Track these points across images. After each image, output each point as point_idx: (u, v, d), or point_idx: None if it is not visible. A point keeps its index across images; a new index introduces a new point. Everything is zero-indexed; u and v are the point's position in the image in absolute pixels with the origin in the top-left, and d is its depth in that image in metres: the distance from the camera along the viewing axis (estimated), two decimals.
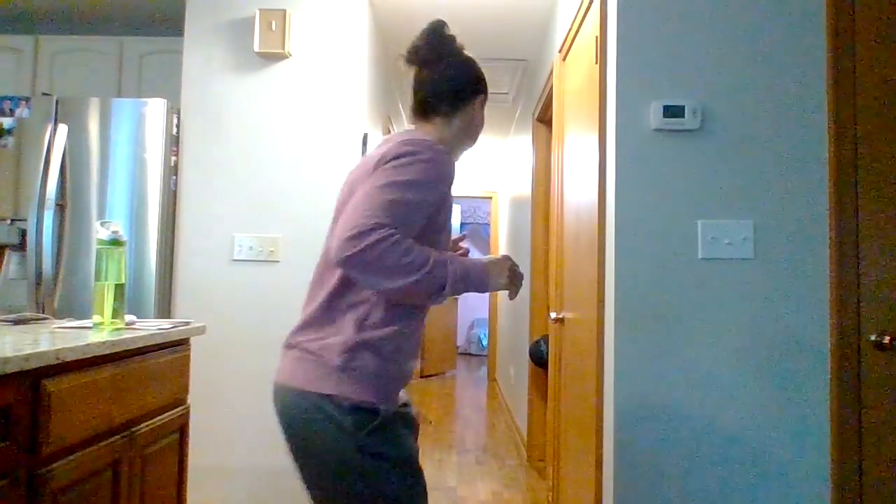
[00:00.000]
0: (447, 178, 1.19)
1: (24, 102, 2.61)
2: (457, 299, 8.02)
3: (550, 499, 2.87)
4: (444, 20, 1.34)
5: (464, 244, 1.43)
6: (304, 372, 1.19)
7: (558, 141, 2.81)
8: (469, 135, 1.37)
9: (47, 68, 3.12)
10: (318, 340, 1.20)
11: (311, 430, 1.15)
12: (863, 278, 1.70)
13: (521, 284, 1.27)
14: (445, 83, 1.32)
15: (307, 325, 1.23)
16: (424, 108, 1.32)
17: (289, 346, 1.26)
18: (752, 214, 1.74)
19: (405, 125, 5.53)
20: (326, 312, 1.21)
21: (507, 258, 1.24)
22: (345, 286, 1.20)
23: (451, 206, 1.26)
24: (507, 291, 1.27)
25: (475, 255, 9.54)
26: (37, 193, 2.49)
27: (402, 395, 1.35)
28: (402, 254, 1.08)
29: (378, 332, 1.18)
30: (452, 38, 1.33)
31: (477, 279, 1.18)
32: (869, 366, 1.68)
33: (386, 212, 1.08)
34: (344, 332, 1.18)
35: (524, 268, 4.24)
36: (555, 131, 2.89)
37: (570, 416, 2.42)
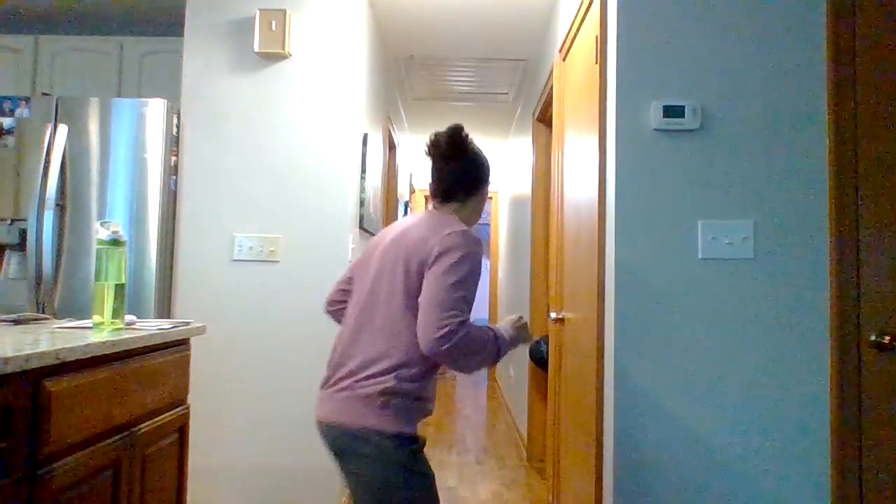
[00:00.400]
0: (480, 264, 1.47)
1: (24, 102, 2.61)
2: None
3: (550, 499, 2.87)
4: (461, 125, 1.57)
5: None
6: (353, 410, 1.41)
7: (558, 141, 2.81)
8: (478, 212, 1.67)
9: (47, 68, 3.12)
10: (367, 385, 1.41)
11: (363, 454, 1.39)
12: (862, 278, 1.70)
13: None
14: (462, 176, 1.60)
15: (357, 370, 1.44)
16: (447, 194, 1.60)
17: (338, 387, 1.45)
18: (752, 214, 1.74)
19: (405, 124, 5.54)
20: (373, 364, 1.43)
21: (520, 318, 1.57)
22: (393, 346, 1.43)
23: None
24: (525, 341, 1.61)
25: None
26: (37, 193, 2.49)
27: None
28: (476, 340, 1.39)
29: (413, 384, 1.43)
30: (467, 138, 1.59)
31: (514, 343, 1.52)
32: (869, 366, 1.68)
33: (461, 307, 1.38)
34: (387, 382, 1.41)
35: (524, 268, 4.25)
36: (555, 131, 2.89)
37: (570, 416, 2.42)
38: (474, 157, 1.61)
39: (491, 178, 1.79)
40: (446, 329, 1.33)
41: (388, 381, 1.40)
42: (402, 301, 1.42)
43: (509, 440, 4.48)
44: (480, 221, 10.05)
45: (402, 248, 1.48)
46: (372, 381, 1.40)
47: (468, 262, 1.42)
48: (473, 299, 1.43)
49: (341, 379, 1.44)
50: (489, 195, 7.14)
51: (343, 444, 1.41)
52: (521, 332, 1.55)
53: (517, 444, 4.32)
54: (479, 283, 1.49)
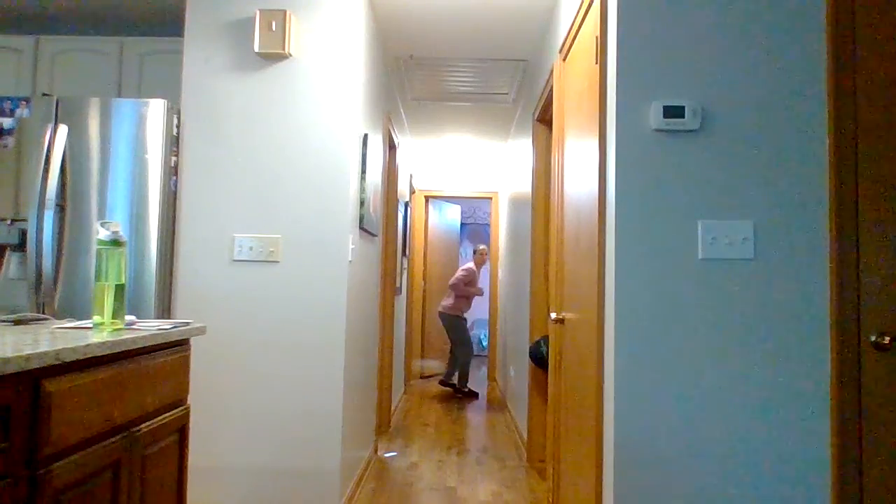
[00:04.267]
0: (470, 274, 6.37)
1: (24, 103, 2.62)
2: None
3: (550, 499, 2.87)
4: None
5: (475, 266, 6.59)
6: (445, 307, 6.40)
7: (558, 141, 2.81)
8: (477, 262, 6.58)
9: (47, 68, 3.12)
10: (448, 301, 6.42)
11: (448, 319, 6.41)
12: (863, 278, 1.70)
13: (482, 293, 6.63)
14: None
15: (446, 299, 6.47)
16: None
17: (444, 303, 6.46)
18: (752, 214, 1.74)
19: (405, 124, 5.54)
20: (451, 297, 6.41)
21: (479, 289, 6.56)
22: (453, 290, 6.42)
23: (476, 280, 6.44)
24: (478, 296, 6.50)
25: None
26: (37, 194, 2.49)
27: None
28: (463, 289, 6.34)
29: (456, 301, 6.39)
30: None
31: (476, 292, 6.49)
32: (869, 366, 1.68)
33: (461, 279, 6.35)
34: (452, 300, 6.40)
35: (524, 268, 4.25)
36: (555, 131, 2.89)
37: (570, 417, 2.42)
38: (473, 249, 6.82)
39: (478, 251, 6.62)
40: (455, 286, 6.34)
41: (452, 299, 6.43)
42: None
43: (509, 440, 4.48)
44: (480, 222, 10.09)
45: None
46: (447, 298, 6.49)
47: (466, 272, 6.37)
48: (466, 280, 6.31)
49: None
50: (489, 196, 7.16)
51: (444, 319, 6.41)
52: (478, 292, 6.50)
53: (517, 444, 4.32)
54: (473, 282, 6.37)
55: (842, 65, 1.74)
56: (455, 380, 6.20)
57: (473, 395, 6.13)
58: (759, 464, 1.70)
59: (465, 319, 6.32)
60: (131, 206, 2.56)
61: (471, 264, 6.39)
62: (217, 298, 2.68)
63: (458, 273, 6.31)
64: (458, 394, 6.10)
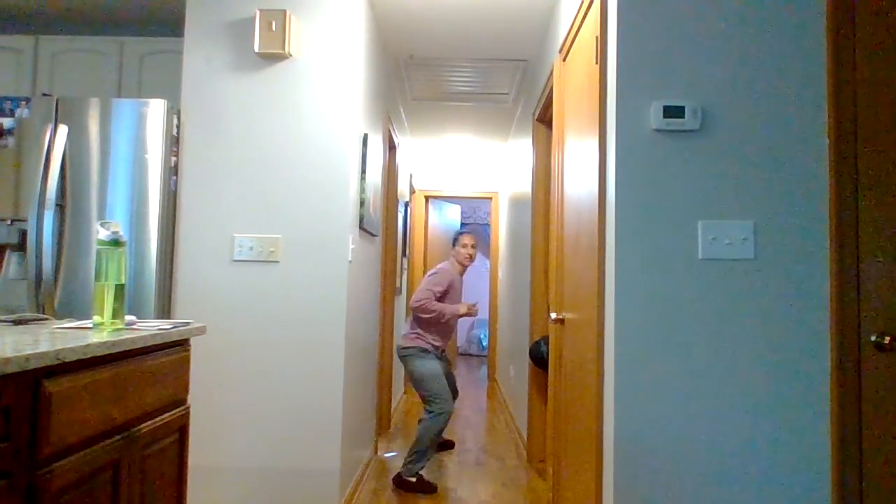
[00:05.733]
0: (444, 282, 3.69)
1: (24, 103, 2.62)
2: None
3: (550, 499, 2.87)
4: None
5: (476, 306, 3.81)
6: (406, 341, 3.65)
7: (558, 141, 2.81)
8: (458, 257, 3.81)
9: (47, 68, 3.12)
10: (409, 331, 3.68)
11: (408, 358, 3.65)
12: (863, 278, 1.70)
13: (476, 313, 3.78)
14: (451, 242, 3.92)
15: (407, 329, 3.71)
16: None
17: (402, 336, 3.68)
18: (752, 214, 1.74)
19: (405, 124, 5.54)
20: (412, 324, 3.69)
21: (466, 305, 3.73)
22: (416, 316, 3.68)
23: (454, 290, 3.76)
24: (471, 316, 3.84)
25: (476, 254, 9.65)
26: (37, 194, 2.49)
27: (446, 356, 3.90)
28: (433, 307, 3.60)
29: (422, 330, 3.64)
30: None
31: (454, 312, 3.67)
32: (869, 366, 1.68)
33: (429, 293, 3.63)
34: (416, 329, 3.66)
35: (524, 268, 4.25)
36: (555, 131, 2.89)
37: (570, 417, 2.42)
38: (454, 236, 3.88)
39: (461, 239, 3.84)
40: (418, 300, 3.61)
41: (416, 329, 3.66)
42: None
43: (509, 440, 4.48)
44: (480, 222, 9.97)
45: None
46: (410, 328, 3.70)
47: (437, 280, 3.68)
48: (437, 293, 3.64)
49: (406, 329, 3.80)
50: (489, 196, 7.16)
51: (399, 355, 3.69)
52: (458, 309, 3.69)
53: (517, 444, 4.32)
54: (451, 294, 3.75)
55: (842, 65, 1.74)
56: (420, 464, 3.41)
57: (428, 489, 3.34)
58: (759, 464, 1.70)
59: (437, 353, 3.66)
60: (131, 206, 2.56)
61: (445, 264, 3.78)
62: (217, 298, 2.68)
63: (423, 282, 3.71)
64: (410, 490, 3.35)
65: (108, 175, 2.57)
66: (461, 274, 3.82)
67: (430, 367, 3.54)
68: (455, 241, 3.84)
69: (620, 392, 1.73)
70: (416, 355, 3.59)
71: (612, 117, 1.81)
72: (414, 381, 3.58)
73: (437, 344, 3.65)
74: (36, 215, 2.48)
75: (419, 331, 3.62)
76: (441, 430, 3.48)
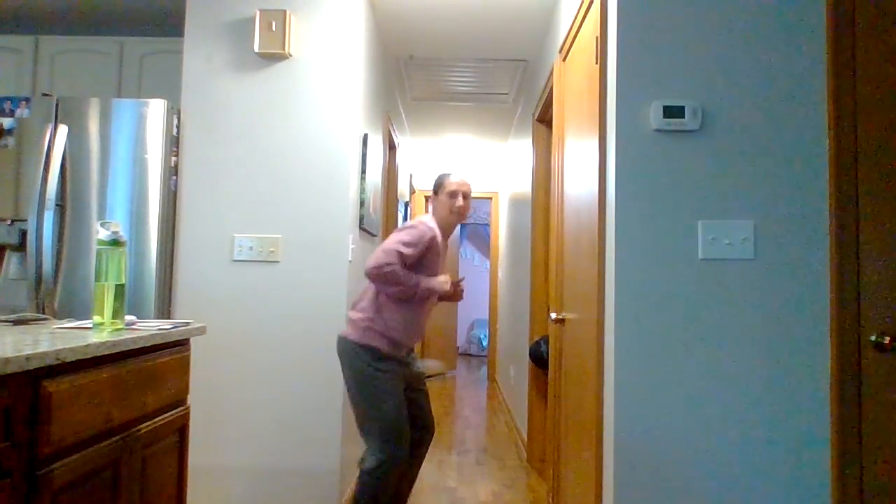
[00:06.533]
0: (422, 240, 2.30)
1: (24, 103, 2.62)
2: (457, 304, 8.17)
3: (550, 499, 2.87)
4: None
5: (462, 283, 2.57)
6: (351, 328, 2.32)
7: (558, 141, 2.81)
8: (443, 208, 2.45)
9: (47, 69, 3.12)
10: (357, 314, 2.33)
11: (347, 358, 2.30)
12: (863, 278, 1.70)
13: (461, 295, 2.54)
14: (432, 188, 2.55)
15: (355, 304, 2.38)
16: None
17: (348, 316, 2.36)
18: (752, 215, 1.74)
19: (405, 124, 5.54)
20: (365, 301, 2.35)
21: (447, 278, 2.39)
22: (377, 289, 2.33)
23: (435, 254, 2.37)
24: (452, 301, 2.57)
25: (476, 255, 9.55)
26: (37, 194, 2.49)
27: (415, 360, 2.52)
28: (399, 276, 2.24)
29: (377, 315, 2.31)
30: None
31: (433, 287, 2.32)
32: (869, 366, 1.68)
33: (393, 256, 2.23)
34: (370, 311, 2.31)
35: (524, 268, 4.24)
36: (555, 132, 2.89)
37: (570, 417, 2.42)
38: (437, 179, 2.51)
39: (445, 184, 2.46)
40: (377, 263, 2.22)
41: (371, 311, 2.33)
42: None
43: (509, 440, 4.48)
44: (479, 222, 9.83)
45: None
46: (362, 310, 2.36)
47: (409, 234, 2.29)
48: (409, 258, 2.26)
49: (351, 310, 2.43)
50: (489, 196, 7.16)
51: (340, 353, 2.35)
52: (443, 283, 2.35)
53: (517, 444, 4.32)
54: (431, 259, 2.36)
55: (842, 65, 1.74)
56: None
57: None
58: (759, 464, 1.70)
59: (397, 357, 2.34)
60: (131, 206, 2.56)
61: (425, 217, 2.43)
62: (217, 298, 2.68)
63: (389, 238, 2.33)
64: None
65: (108, 175, 2.57)
66: (446, 237, 2.47)
67: (378, 383, 2.22)
68: (438, 186, 2.44)
69: (620, 392, 1.73)
70: (360, 357, 2.23)
71: (612, 117, 1.81)
72: (350, 399, 2.29)
73: (398, 340, 2.28)
74: (36, 215, 2.48)
75: (372, 315, 2.26)
76: (380, 496, 2.21)
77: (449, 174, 2.47)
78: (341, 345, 2.31)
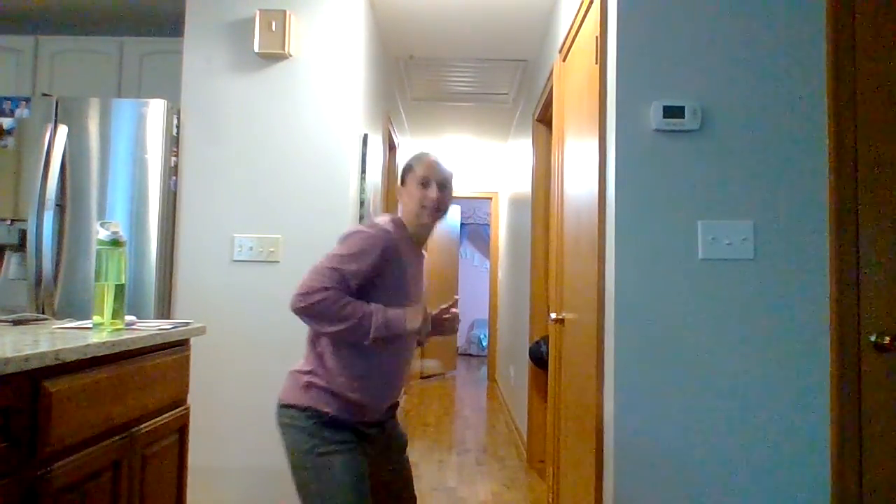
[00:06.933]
0: (372, 250, 1.55)
1: (24, 103, 2.61)
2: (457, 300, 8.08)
3: (550, 499, 2.87)
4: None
5: (454, 309, 1.75)
6: (288, 385, 1.68)
7: (558, 141, 2.81)
8: (412, 202, 1.67)
9: (47, 69, 3.11)
10: (298, 365, 1.67)
11: (282, 430, 1.67)
12: (862, 278, 1.70)
13: (455, 327, 1.75)
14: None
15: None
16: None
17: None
18: (752, 215, 1.74)
19: (405, 124, 5.53)
20: (307, 348, 1.65)
21: (423, 308, 1.59)
22: (315, 332, 1.62)
23: (400, 270, 1.61)
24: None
25: (476, 255, 9.55)
26: (37, 194, 2.49)
27: (395, 425, 1.78)
28: (338, 308, 1.50)
29: (322, 366, 1.60)
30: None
31: (397, 325, 1.55)
32: (869, 366, 1.68)
33: (326, 277, 1.51)
34: (311, 359, 1.63)
35: (524, 269, 4.24)
36: (555, 132, 2.89)
37: (570, 417, 2.42)
38: (404, 164, 1.75)
39: (413, 168, 1.69)
40: (305, 290, 1.50)
41: (313, 363, 1.64)
42: None
43: (509, 440, 4.47)
44: (479, 222, 9.68)
45: None
46: (303, 361, 1.68)
47: (352, 241, 1.56)
48: (352, 278, 1.53)
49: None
50: (489, 196, 7.15)
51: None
52: (413, 319, 1.56)
53: (517, 444, 4.32)
54: (393, 277, 1.60)
55: (842, 65, 1.74)
56: None
57: None
58: (759, 463, 1.70)
59: (353, 426, 1.59)
60: (131, 206, 2.56)
61: (384, 219, 1.65)
62: (217, 298, 2.68)
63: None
64: None
65: (107, 175, 2.57)
66: (420, 244, 1.74)
67: (323, 465, 1.57)
68: (405, 173, 1.73)
69: (620, 392, 1.73)
70: (298, 427, 1.61)
71: (612, 117, 1.81)
72: (298, 490, 1.63)
73: (357, 401, 1.59)
74: (36, 215, 2.48)
75: (313, 365, 1.62)
76: None
77: (419, 154, 1.71)
78: (278, 414, 1.64)
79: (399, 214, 1.71)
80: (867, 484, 1.67)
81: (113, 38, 3.13)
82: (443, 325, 1.73)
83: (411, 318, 1.56)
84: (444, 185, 1.68)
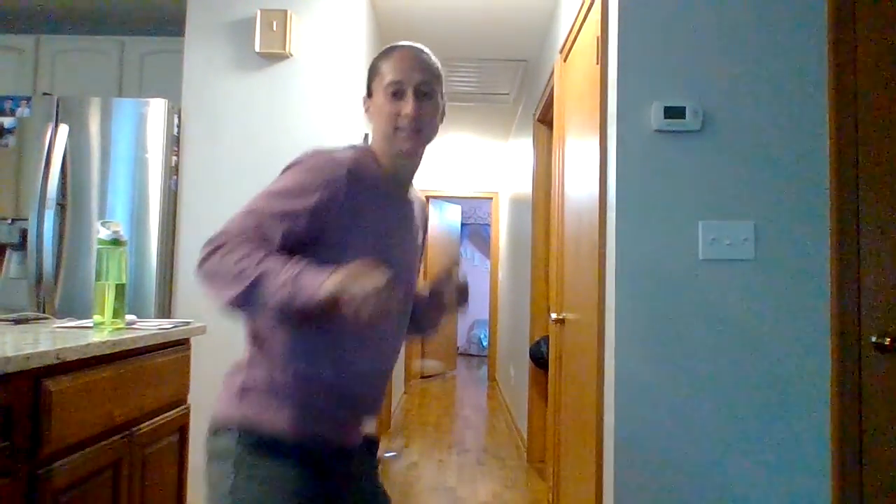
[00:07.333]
0: (316, 181, 1.06)
1: (24, 102, 2.62)
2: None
3: (550, 499, 2.87)
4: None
5: (458, 269, 1.28)
6: (220, 397, 1.21)
7: (559, 141, 2.81)
8: (380, 116, 1.15)
9: (48, 68, 3.12)
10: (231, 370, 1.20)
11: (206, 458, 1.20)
12: (863, 279, 1.70)
13: (463, 298, 1.24)
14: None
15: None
16: None
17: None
18: (752, 215, 1.74)
19: None
20: (247, 344, 1.21)
21: (378, 268, 0.96)
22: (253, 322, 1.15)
23: (363, 221, 1.09)
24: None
25: (477, 255, 9.53)
26: (37, 193, 2.49)
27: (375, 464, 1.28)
28: (234, 261, 0.99)
29: (272, 350, 1.13)
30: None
31: (308, 285, 0.95)
32: (870, 367, 1.68)
33: (235, 223, 1.04)
34: (249, 350, 1.20)
35: (525, 269, 4.23)
36: (556, 132, 2.89)
37: (570, 417, 2.42)
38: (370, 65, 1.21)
39: (380, 76, 1.17)
40: (204, 246, 1.04)
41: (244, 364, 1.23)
42: None
43: (509, 440, 4.47)
44: (480, 221, 9.63)
45: None
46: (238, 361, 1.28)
47: (288, 172, 1.10)
48: (275, 226, 1.04)
49: None
50: (490, 196, 7.14)
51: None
52: (357, 276, 0.93)
53: (517, 444, 4.32)
54: (351, 222, 1.08)
55: (842, 65, 1.74)
56: None
57: None
58: (760, 464, 1.70)
59: (306, 446, 1.11)
60: (132, 206, 2.56)
61: (345, 148, 1.16)
62: None
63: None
64: None
65: (108, 175, 2.57)
66: (403, 184, 1.23)
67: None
68: (370, 76, 1.22)
69: (620, 392, 1.73)
70: (221, 452, 1.22)
71: (613, 118, 1.81)
72: None
73: (313, 403, 1.16)
74: (36, 215, 2.48)
75: (251, 355, 1.28)
76: None
77: (388, 48, 1.20)
78: (207, 438, 1.20)
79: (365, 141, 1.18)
80: (867, 484, 1.66)
81: (114, 38, 3.13)
82: (441, 296, 1.25)
83: (340, 279, 0.93)
84: (425, 90, 1.16)
